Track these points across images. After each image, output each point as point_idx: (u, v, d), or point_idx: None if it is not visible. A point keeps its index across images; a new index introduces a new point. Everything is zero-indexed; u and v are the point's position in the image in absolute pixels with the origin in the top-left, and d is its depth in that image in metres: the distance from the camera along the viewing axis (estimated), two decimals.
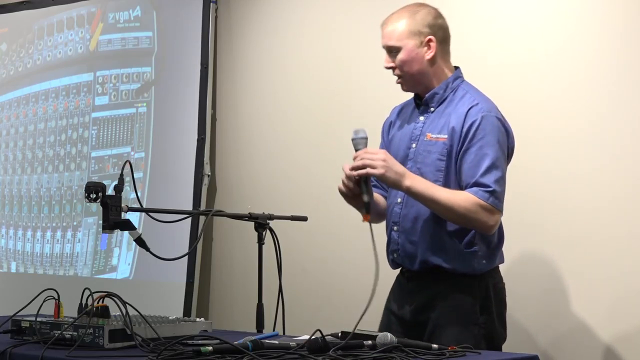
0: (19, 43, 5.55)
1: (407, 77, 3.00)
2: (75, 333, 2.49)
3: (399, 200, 3.01)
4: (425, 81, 3.00)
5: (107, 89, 5.14)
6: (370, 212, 2.83)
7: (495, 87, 3.77)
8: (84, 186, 2.78)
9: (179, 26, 4.94)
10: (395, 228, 3.02)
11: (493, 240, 2.97)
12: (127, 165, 2.86)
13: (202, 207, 4.68)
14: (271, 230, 3.17)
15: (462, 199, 2.85)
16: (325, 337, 2.37)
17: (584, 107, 3.60)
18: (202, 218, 4.39)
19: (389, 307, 3.11)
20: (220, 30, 4.89)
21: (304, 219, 3.41)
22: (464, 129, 2.89)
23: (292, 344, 2.40)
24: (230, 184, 4.84)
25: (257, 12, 4.77)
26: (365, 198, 2.84)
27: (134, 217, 3.88)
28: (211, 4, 4.82)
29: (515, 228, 3.67)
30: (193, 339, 2.56)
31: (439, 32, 2.99)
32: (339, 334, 2.56)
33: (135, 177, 3.02)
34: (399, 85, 3.05)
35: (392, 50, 2.98)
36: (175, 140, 4.88)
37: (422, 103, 3.04)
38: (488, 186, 2.84)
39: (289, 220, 3.34)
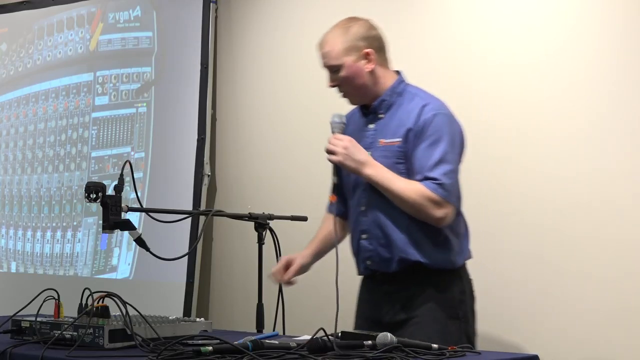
0: (19, 43, 5.55)
1: (352, 92, 3.03)
2: (75, 333, 2.49)
3: (363, 208, 3.02)
4: (371, 92, 3.02)
5: (107, 89, 5.14)
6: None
7: (495, 87, 3.79)
8: (84, 186, 2.78)
9: (179, 26, 4.94)
10: (364, 236, 3.02)
11: (460, 232, 3.00)
12: (127, 165, 2.86)
13: (202, 207, 4.67)
14: (271, 230, 3.18)
15: (413, 190, 2.88)
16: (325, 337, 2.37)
17: (584, 107, 3.60)
18: (202, 218, 4.39)
19: (361, 314, 3.11)
20: (220, 30, 4.89)
21: (304, 219, 3.41)
22: (417, 129, 2.92)
23: (292, 344, 2.40)
24: (230, 184, 4.84)
25: (257, 12, 4.77)
26: (334, 180, 3.01)
27: (134, 217, 3.88)
28: (211, 4, 4.82)
29: (515, 228, 3.68)
30: (193, 339, 2.56)
31: (375, 43, 3.02)
32: (339, 334, 2.55)
33: (135, 177, 3.02)
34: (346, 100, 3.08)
35: (333, 70, 3.01)
36: (175, 140, 4.88)
37: (369, 112, 3.06)
38: (436, 179, 2.87)
39: (289, 220, 3.35)
